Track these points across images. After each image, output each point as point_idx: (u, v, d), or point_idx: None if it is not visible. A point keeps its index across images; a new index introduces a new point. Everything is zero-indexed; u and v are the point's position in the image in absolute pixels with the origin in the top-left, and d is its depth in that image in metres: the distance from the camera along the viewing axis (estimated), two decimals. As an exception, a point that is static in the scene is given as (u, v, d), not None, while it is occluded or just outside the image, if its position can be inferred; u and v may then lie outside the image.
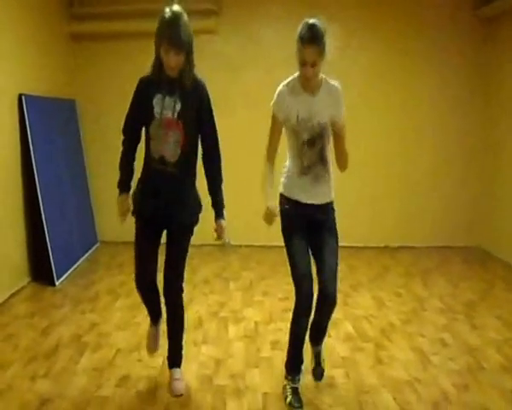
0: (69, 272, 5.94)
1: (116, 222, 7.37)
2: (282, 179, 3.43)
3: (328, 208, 3.38)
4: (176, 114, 3.15)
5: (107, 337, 4.33)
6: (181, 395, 3.48)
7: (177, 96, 3.15)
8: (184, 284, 3.52)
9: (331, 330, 4.47)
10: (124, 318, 4.74)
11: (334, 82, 3.25)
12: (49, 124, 6.08)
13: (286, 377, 3.46)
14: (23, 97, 5.44)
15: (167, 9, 3.06)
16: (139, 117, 3.27)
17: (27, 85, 5.64)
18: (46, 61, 6.22)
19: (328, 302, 3.30)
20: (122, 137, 3.40)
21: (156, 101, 3.15)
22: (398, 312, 5.01)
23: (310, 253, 3.38)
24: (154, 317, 3.73)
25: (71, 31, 6.97)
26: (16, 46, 5.45)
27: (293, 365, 3.45)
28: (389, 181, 7.28)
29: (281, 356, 4.01)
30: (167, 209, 3.29)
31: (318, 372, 3.61)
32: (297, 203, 3.34)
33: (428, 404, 3.38)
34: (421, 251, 7.26)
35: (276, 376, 3.74)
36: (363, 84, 6.89)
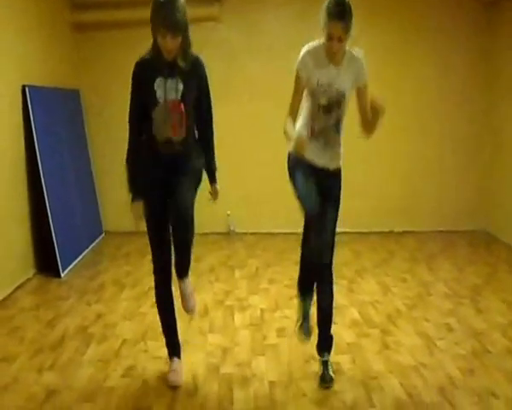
0: (74, 263, 5.95)
1: (121, 212, 7.40)
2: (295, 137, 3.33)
3: (336, 175, 3.41)
4: (179, 95, 3.15)
5: (113, 328, 4.34)
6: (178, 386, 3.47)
7: (178, 77, 3.15)
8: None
9: (337, 317, 4.45)
10: (129, 308, 4.75)
11: (357, 52, 3.27)
12: (52, 115, 6.07)
13: (298, 302, 3.70)
14: (27, 88, 5.43)
15: None
16: (141, 100, 3.24)
17: (31, 76, 5.63)
18: (49, 52, 6.20)
19: (324, 275, 3.46)
20: (128, 127, 3.35)
21: (158, 84, 3.14)
22: (404, 297, 5.00)
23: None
24: (171, 345, 3.63)
25: (74, 20, 6.92)
26: (19, 37, 5.43)
27: (303, 283, 3.68)
28: (393, 166, 7.26)
29: (287, 343, 4.05)
30: (171, 177, 3.26)
31: (327, 379, 3.49)
32: (307, 161, 3.30)
33: (434, 389, 3.38)
34: (425, 236, 7.24)
35: (282, 363, 3.76)
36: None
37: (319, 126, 3.29)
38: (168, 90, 3.14)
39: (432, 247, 6.73)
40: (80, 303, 4.89)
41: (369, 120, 3.27)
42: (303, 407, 3.22)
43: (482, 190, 7.37)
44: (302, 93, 3.29)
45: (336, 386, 3.44)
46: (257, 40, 7.11)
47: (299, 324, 3.64)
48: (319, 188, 3.27)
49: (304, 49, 3.25)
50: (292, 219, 7.18)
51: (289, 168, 3.43)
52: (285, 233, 7.12)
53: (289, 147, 3.35)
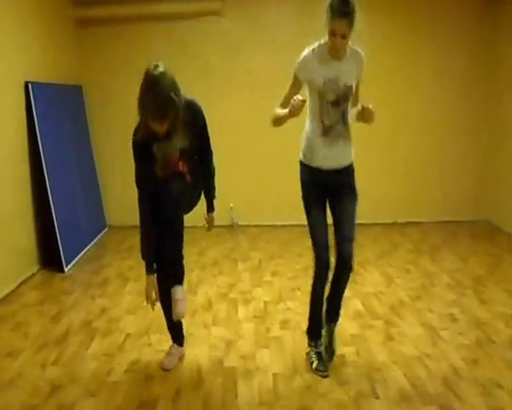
0: (78, 257, 5.96)
1: (124, 207, 7.42)
2: (302, 146, 3.49)
3: (347, 171, 3.46)
4: (178, 152, 3.27)
5: (117, 322, 4.34)
6: (168, 369, 3.57)
7: (175, 136, 3.16)
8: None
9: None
10: (133, 302, 4.75)
11: (359, 49, 3.34)
12: (55, 110, 6.07)
13: (309, 344, 3.66)
14: (30, 85, 5.43)
15: (149, 72, 3.01)
16: (147, 169, 3.30)
17: (33, 73, 5.62)
18: (52, 48, 6.18)
19: (344, 268, 3.44)
20: (139, 192, 3.38)
21: (156, 149, 3.23)
22: (407, 288, 5.00)
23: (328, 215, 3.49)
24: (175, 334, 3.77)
25: (76, 16, 6.89)
26: (22, 33, 5.41)
27: (314, 330, 3.63)
28: (395, 157, 7.24)
29: (291, 335, 4.05)
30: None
31: (329, 352, 3.63)
32: (318, 170, 3.39)
33: (439, 379, 3.38)
34: (429, 226, 7.23)
35: (286, 355, 3.76)
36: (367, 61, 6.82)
37: (329, 122, 3.32)
38: (167, 151, 3.25)
39: (435, 238, 6.72)
40: (84, 298, 4.90)
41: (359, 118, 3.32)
42: (307, 399, 3.22)
43: (485, 181, 7.35)
44: (297, 92, 3.30)
45: (340, 378, 3.45)
46: (259, 34, 7.05)
47: (315, 364, 3.54)
48: (332, 193, 3.43)
49: (304, 52, 3.30)
50: (295, 211, 7.18)
51: (302, 197, 3.52)
52: (288, 225, 7.11)
53: (300, 156, 3.49)
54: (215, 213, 3.71)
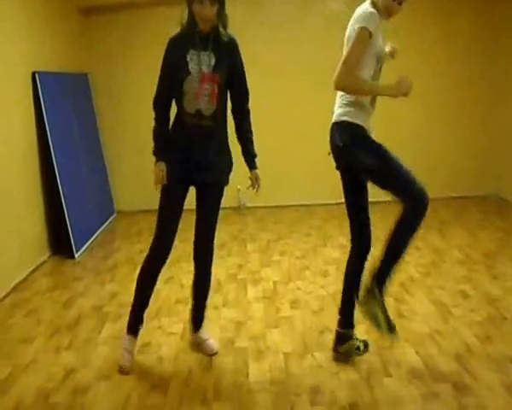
0: (88, 244, 5.98)
1: (132, 192, 7.43)
2: (349, 109, 3.12)
3: None
4: (211, 68, 3.13)
5: (128, 307, 4.29)
6: (214, 354, 3.56)
7: (211, 50, 3.13)
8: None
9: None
10: (143, 286, 4.77)
11: None
12: (62, 99, 6.07)
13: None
14: (36, 75, 5.42)
15: None
16: (172, 78, 3.20)
17: (39, 62, 5.61)
18: (57, 37, 6.16)
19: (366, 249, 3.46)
20: (154, 108, 3.35)
21: (190, 57, 3.13)
22: (417, 265, 4.98)
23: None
24: (136, 321, 3.55)
25: (81, 4, 6.83)
26: (26, 24, 5.38)
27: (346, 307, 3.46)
28: (402, 132, 7.18)
29: (301, 315, 4.06)
30: (202, 165, 3.28)
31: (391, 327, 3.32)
32: (361, 128, 3.13)
33: (451, 356, 3.38)
34: (437, 202, 7.17)
35: (296, 335, 3.77)
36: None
37: None
38: (201, 62, 3.12)
39: (444, 213, 6.69)
40: (95, 283, 4.92)
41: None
42: (319, 379, 3.23)
43: (493, 155, 7.30)
44: (363, 57, 3.00)
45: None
46: (262, 16, 7.01)
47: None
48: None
49: (372, 11, 2.93)
50: (302, 191, 7.21)
51: (361, 145, 3.13)
52: (295, 205, 7.11)
53: (348, 117, 3.12)
54: (258, 171, 3.52)
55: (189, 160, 3.26)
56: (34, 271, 5.23)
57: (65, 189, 5.54)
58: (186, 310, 4.16)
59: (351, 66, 2.91)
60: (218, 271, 4.98)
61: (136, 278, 3.57)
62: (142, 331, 3.57)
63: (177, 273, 4.96)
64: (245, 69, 3.34)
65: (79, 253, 5.67)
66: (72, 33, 6.68)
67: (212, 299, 4.37)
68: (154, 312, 4.21)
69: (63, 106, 6.04)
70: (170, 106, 3.31)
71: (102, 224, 6.69)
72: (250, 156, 3.46)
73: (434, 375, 3.19)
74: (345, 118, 3.12)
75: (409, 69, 6.94)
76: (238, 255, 5.52)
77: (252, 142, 3.47)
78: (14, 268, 4.88)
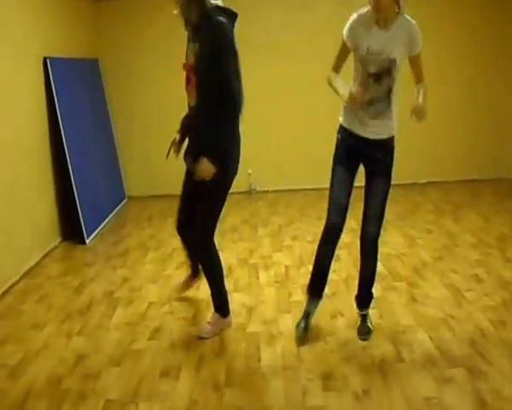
0: (99, 229, 5.98)
1: (142, 177, 7.43)
2: (342, 111, 3.35)
3: (384, 146, 3.32)
4: (195, 58, 3.14)
5: (139, 291, 4.35)
6: (202, 337, 3.57)
7: (196, 40, 3.14)
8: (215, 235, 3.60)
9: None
10: (154, 271, 4.76)
11: (410, 18, 3.08)
12: (73, 84, 6.04)
13: (305, 299, 3.65)
14: (48, 60, 5.40)
15: None
16: None
17: (51, 48, 5.59)
18: (68, 23, 6.13)
19: (367, 246, 3.41)
20: None
21: (187, 48, 3.22)
22: (430, 249, 4.94)
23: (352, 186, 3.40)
24: (193, 270, 4.05)
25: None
26: (37, 9, 5.34)
27: (311, 288, 3.59)
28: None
29: (313, 300, 4.02)
30: (191, 157, 3.33)
31: (363, 330, 3.52)
32: (355, 136, 3.27)
33: (465, 341, 3.35)
34: (449, 186, 7.14)
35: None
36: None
37: (370, 96, 3.16)
38: (190, 53, 3.18)
39: (456, 197, 6.63)
40: (106, 268, 4.92)
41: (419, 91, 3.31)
42: (331, 364, 3.21)
43: (506, 138, 7.23)
44: (345, 57, 3.24)
45: (364, 341, 3.43)
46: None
47: (298, 321, 3.57)
48: (366, 164, 3.32)
49: (353, 16, 3.11)
50: (312, 175, 7.18)
51: (333, 156, 3.42)
52: (306, 189, 7.07)
53: (340, 118, 3.36)
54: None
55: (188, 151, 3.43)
56: (45, 256, 5.23)
57: (76, 174, 5.53)
58: (198, 295, 4.18)
59: (332, 65, 3.28)
60: (228, 255, 4.99)
61: None
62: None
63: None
64: (225, 53, 3.09)
65: (90, 238, 5.67)
66: (83, 19, 6.64)
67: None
68: (166, 297, 4.21)
69: (74, 91, 6.02)
70: None
71: (113, 209, 6.68)
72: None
73: (448, 360, 3.16)
74: (340, 119, 3.37)
75: (426, 54, 6.85)
76: (249, 240, 5.49)
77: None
78: (25, 254, 4.88)
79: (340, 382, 3.01)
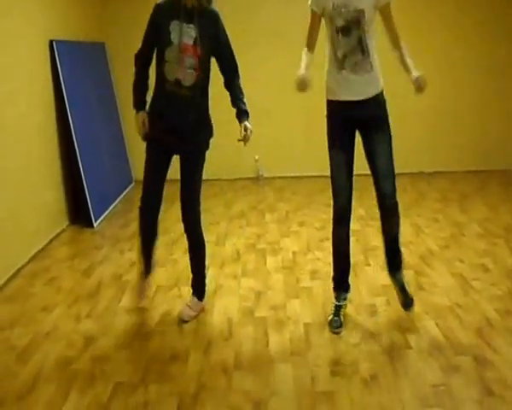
0: (106, 213, 6.00)
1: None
2: (325, 81, 3.35)
3: (375, 102, 3.28)
4: (193, 41, 3.25)
5: (147, 275, 4.37)
6: (185, 321, 3.61)
7: (194, 23, 3.25)
8: (202, 211, 3.64)
9: (370, 258, 4.48)
10: (162, 255, 4.77)
11: None
12: (80, 68, 6.04)
13: (334, 294, 3.61)
14: (54, 43, 5.40)
15: None
16: (154, 42, 3.37)
17: (57, 31, 5.58)
18: (74, 6, 6.11)
19: (387, 206, 3.34)
20: (134, 63, 3.54)
21: (173, 27, 3.24)
22: (437, 238, 4.96)
23: (354, 163, 3.39)
24: (146, 267, 3.85)
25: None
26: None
27: (337, 281, 3.58)
28: (422, 106, 7.10)
29: (320, 286, 4.05)
30: (179, 132, 3.42)
31: (407, 303, 3.53)
32: (341, 104, 3.28)
33: (471, 330, 3.36)
34: (456, 176, 7.14)
35: (316, 305, 3.77)
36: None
37: (342, 51, 3.18)
38: (183, 33, 3.25)
39: (463, 187, 6.64)
40: (114, 252, 4.94)
41: (403, 59, 3.19)
42: (339, 350, 3.23)
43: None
44: (318, 28, 3.28)
45: (372, 328, 3.45)
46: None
47: (330, 317, 3.52)
48: (361, 130, 3.30)
49: None
50: (320, 162, 7.11)
51: (327, 125, 3.40)
52: (313, 176, 7.08)
53: (327, 94, 3.36)
54: (249, 124, 3.40)
55: (166, 125, 3.42)
56: (53, 240, 5.25)
57: (83, 158, 5.54)
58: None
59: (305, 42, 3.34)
60: (236, 241, 5.01)
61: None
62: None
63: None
64: (230, 42, 3.43)
65: (98, 222, 5.69)
66: (89, 2, 6.63)
67: (232, 268, 4.42)
68: (174, 281, 4.24)
69: (81, 75, 6.01)
70: (149, 64, 3.49)
71: (121, 193, 6.70)
72: (240, 113, 3.47)
73: (455, 348, 3.18)
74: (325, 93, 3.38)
75: (428, 45, 6.84)
76: (257, 226, 5.51)
77: (244, 104, 3.49)
78: (33, 237, 4.90)
79: (349, 368, 3.03)
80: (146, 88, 3.53)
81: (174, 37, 3.24)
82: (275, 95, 6.95)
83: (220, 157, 6.91)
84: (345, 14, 3.10)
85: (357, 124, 3.31)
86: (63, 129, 5.49)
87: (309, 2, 3.27)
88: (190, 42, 3.24)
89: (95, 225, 5.58)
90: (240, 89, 3.51)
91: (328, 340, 3.33)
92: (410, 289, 3.60)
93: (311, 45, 3.33)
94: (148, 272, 3.86)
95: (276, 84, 6.94)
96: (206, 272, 3.80)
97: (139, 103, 3.54)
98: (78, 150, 5.47)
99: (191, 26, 3.24)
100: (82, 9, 6.36)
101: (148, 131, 3.51)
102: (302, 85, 3.09)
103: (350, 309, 3.63)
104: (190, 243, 3.71)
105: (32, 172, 4.91)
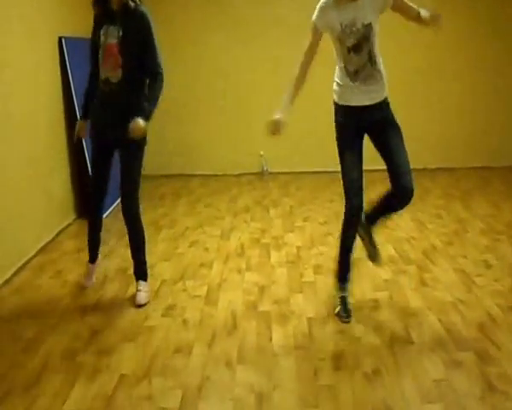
0: (112, 207, 6.03)
1: (155, 156, 7.43)
2: (334, 88, 3.44)
3: (382, 106, 3.35)
4: (117, 40, 3.52)
5: (152, 269, 4.39)
6: (142, 305, 3.75)
7: (120, 24, 3.52)
8: (140, 201, 3.98)
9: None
10: (167, 249, 4.82)
11: None
12: (88, 65, 6.04)
13: (336, 287, 3.66)
14: (63, 40, 5.44)
15: None
16: (93, 49, 3.71)
17: (66, 28, 5.62)
18: (83, 2, 6.09)
19: (405, 195, 3.50)
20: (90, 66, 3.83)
21: (103, 31, 3.57)
22: (440, 234, 4.98)
23: (363, 164, 3.45)
24: (91, 255, 4.18)
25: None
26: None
27: (341, 274, 3.61)
28: (426, 102, 7.12)
29: (324, 280, 4.08)
30: (114, 127, 3.64)
31: (376, 254, 3.69)
32: (350, 109, 3.34)
33: (474, 325, 3.39)
34: (459, 172, 7.15)
35: (320, 300, 3.80)
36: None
37: (354, 67, 3.24)
38: (108, 35, 3.55)
39: (466, 183, 6.65)
40: (119, 246, 4.97)
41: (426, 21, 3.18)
42: (342, 344, 3.25)
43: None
44: (316, 47, 3.30)
45: (374, 322, 3.48)
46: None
47: (338, 309, 3.56)
48: (371, 131, 3.36)
49: (320, 3, 3.23)
50: (324, 157, 7.18)
51: (336, 139, 3.46)
52: (318, 172, 7.10)
53: (334, 98, 3.43)
54: (143, 123, 3.49)
55: (102, 121, 3.72)
56: (60, 233, 5.29)
57: (90, 152, 5.55)
58: (211, 273, 4.23)
59: (300, 61, 3.40)
60: (240, 235, 5.04)
61: None
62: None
63: (202, 237, 5.02)
64: (155, 44, 3.58)
65: (104, 216, 5.70)
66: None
67: (236, 263, 4.44)
68: (179, 275, 4.27)
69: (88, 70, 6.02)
70: (96, 72, 3.74)
71: (126, 187, 6.72)
72: (140, 109, 3.57)
73: (457, 343, 3.20)
74: (333, 96, 3.44)
75: (435, 44, 6.84)
76: (261, 220, 5.54)
77: (148, 104, 3.59)
78: (40, 230, 4.94)
79: (351, 362, 3.06)
80: (91, 96, 3.86)
81: (102, 39, 3.56)
82: (279, 91, 6.96)
83: (225, 153, 6.96)
84: (354, 32, 3.14)
85: (367, 126, 3.36)
86: (71, 125, 5.51)
87: (313, 18, 3.25)
88: (114, 41, 3.51)
89: (101, 218, 5.61)
90: (153, 92, 3.60)
91: (331, 334, 3.36)
92: (412, 284, 3.62)
93: (304, 68, 3.38)
94: (92, 260, 4.18)
95: (280, 80, 6.93)
96: (146, 257, 3.96)
97: (83, 111, 3.95)
98: (85, 145, 5.50)
99: (116, 27, 3.51)
100: (90, 7, 6.35)
101: (80, 136, 4.03)
102: (274, 130, 3.24)
103: (352, 304, 3.66)
104: (130, 232, 3.93)
105: (40, 166, 4.95)
